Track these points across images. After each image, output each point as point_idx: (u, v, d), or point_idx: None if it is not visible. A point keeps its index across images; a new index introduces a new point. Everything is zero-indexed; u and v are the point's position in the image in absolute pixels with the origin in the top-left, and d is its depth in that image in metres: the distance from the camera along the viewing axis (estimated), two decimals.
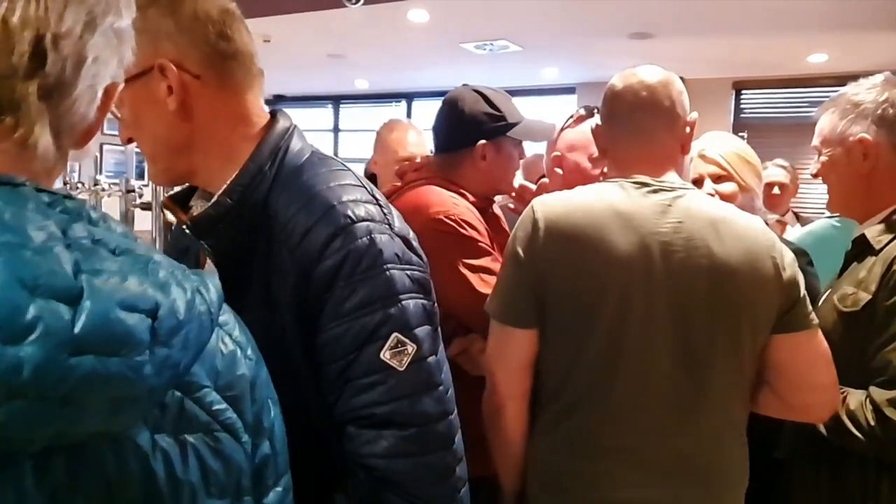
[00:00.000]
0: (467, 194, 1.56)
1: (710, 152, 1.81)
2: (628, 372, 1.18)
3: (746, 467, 1.26)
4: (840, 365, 1.24)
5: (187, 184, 1.10)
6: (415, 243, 1.00)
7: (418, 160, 2.27)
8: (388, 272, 0.90)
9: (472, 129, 1.56)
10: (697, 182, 1.91)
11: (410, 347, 0.88)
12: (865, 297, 1.28)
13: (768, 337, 1.20)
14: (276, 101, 10.22)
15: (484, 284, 1.43)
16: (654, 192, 1.20)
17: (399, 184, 1.67)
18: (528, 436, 1.29)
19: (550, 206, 1.22)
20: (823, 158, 1.47)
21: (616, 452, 1.20)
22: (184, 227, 0.98)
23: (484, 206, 1.63)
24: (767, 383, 1.27)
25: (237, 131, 0.99)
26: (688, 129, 1.29)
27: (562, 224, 1.19)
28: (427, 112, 9.88)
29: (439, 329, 1.06)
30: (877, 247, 1.34)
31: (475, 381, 1.51)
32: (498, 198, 1.81)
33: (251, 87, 1.00)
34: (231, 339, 0.63)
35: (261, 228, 0.95)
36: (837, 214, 1.73)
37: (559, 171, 1.87)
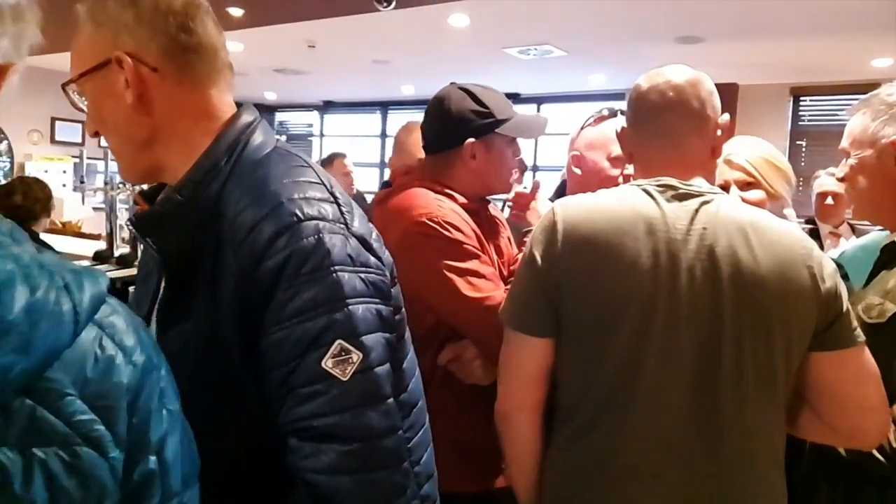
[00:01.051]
0: (457, 196, 1.49)
1: (736, 157, 1.73)
2: (649, 388, 1.11)
3: (783, 495, 1.16)
4: None
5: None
6: (376, 245, 0.94)
7: None
8: (335, 274, 0.84)
9: (459, 128, 1.49)
10: (723, 189, 1.84)
11: (356, 356, 0.83)
12: (892, 307, 1.20)
13: (807, 354, 1.12)
14: (326, 106, 10.39)
15: (471, 288, 1.37)
16: (681, 196, 1.13)
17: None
18: (542, 451, 1.23)
19: (571, 209, 1.16)
20: (852, 161, 1.37)
21: (635, 475, 1.12)
22: (127, 223, 0.94)
23: (476, 208, 1.55)
24: (809, 405, 1.18)
25: (199, 126, 0.95)
26: (719, 132, 1.21)
27: (582, 229, 1.13)
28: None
29: (403, 338, 1.00)
30: None
31: (470, 391, 1.45)
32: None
33: (215, 81, 0.97)
34: (113, 343, 0.57)
35: (212, 227, 0.90)
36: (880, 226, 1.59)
37: (577, 170, 1.80)
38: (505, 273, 1.56)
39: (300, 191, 0.89)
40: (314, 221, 0.86)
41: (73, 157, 6.67)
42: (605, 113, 1.83)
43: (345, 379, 0.82)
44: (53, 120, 8.73)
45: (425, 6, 4.69)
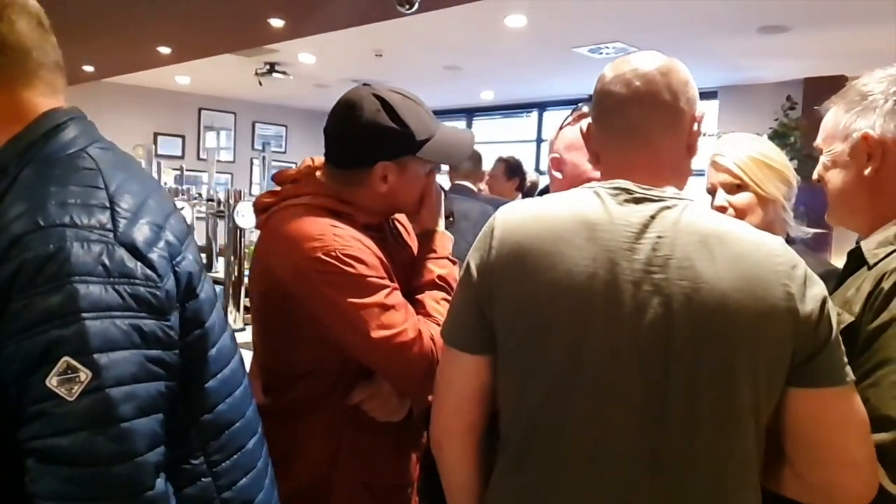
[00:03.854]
0: (355, 215, 1.31)
1: (722, 158, 1.58)
2: (582, 420, 0.97)
3: None
4: None
5: None
6: (153, 255, 0.86)
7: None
8: (72, 285, 0.78)
9: (370, 147, 1.29)
10: (710, 193, 1.66)
11: (84, 375, 0.77)
12: (848, 318, 1.05)
13: (784, 390, 0.96)
14: None
15: (379, 327, 1.21)
16: (637, 201, 0.99)
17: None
18: (482, 480, 1.11)
19: (510, 213, 1.05)
20: (824, 159, 1.18)
21: None
22: None
23: (378, 222, 1.39)
24: (784, 454, 1.01)
25: (6, 130, 0.91)
26: (695, 127, 1.05)
27: (517, 235, 1.01)
28: (557, 121, 9.66)
29: (205, 355, 0.94)
30: (871, 261, 1.08)
31: (381, 426, 1.33)
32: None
33: (26, 83, 0.93)
34: None
35: None
36: None
37: (558, 174, 1.59)
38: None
39: (58, 196, 0.84)
40: (59, 228, 0.80)
41: (174, 169, 7.13)
42: (585, 109, 1.62)
43: (71, 399, 0.77)
44: (156, 135, 9.32)
45: (480, 6, 4.57)
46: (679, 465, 0.95)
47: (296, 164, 1.49)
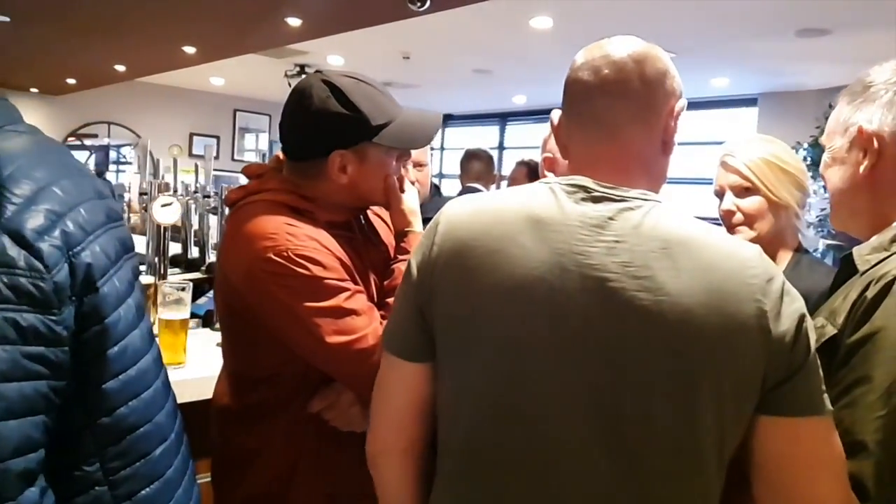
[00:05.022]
0: (317, 212, 1.23)
1: (732, 159, 1.49)
2: (518, 441, 0.87)
3: None
4: None
5: None
6: (42, 244, 0.80)
7: (410, 167, 1.99)
8: None
9: (322, 136, 1.21)
10: (719, 195, 1.55)
11: None
12: (831, 331, 0.94)
13: (754, 417, 0.85)
14: (446, 120, 10.45)
15: (337, 332, 1.13)
16: (595, 199, 0.88)
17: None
18: (423, 501, 1.01)
19: (458, 207, 0.95)
20: (825, 156, 1.07)
21: None
22: None
23: (346, 219, 1.30)
24: (749, 489, 0.89)
25: None
26: (672, 123, 0.94)
27: (460, 231, 0.91)
28: None
29: (104, 353, 0.87)
30: (861, 267, 0.97)
31: (345, 434, 1.25)
32: None
33: None
34: None
35: None
36: None
37: (550, 175, 1.49)
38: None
39: None
40: None
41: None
42: None
43: None
44: (192, 135, 9.48)
45: (504, 7, 4.48)
46: (630, 498, 0.83)
47: None
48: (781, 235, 1.50)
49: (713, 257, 0.83)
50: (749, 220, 1.48)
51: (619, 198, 0.87)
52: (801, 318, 0.83)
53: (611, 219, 0.85)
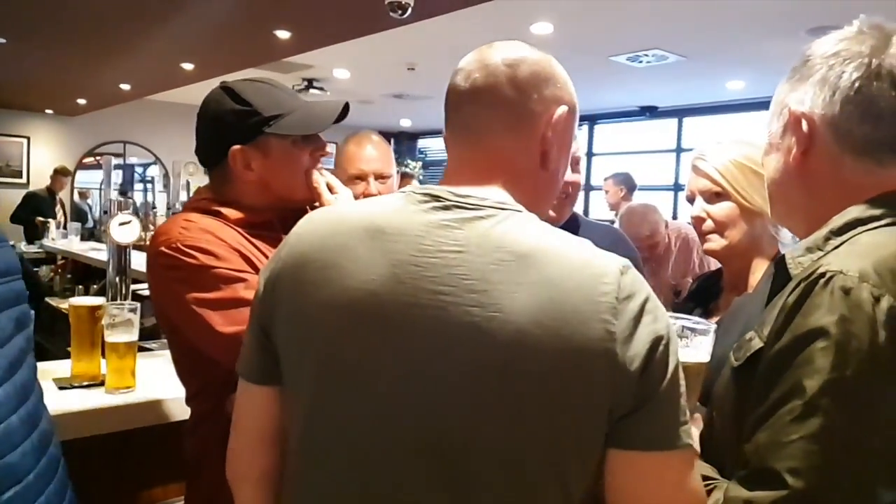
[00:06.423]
0: (228, 212, 1.25)
1: (702, 162, 1.39)
2: (345, 466, 0.81)
3: None
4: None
5: None
6: None
7: (371, 179, 1.91)
8: None
9: (218, 136, 1.24)
10: (689, 201, 1.45)
11: None
12: (757, 344, 0.83)
13: (606, 451, 0.76)
14: None
15: (227, 321, 1.12)
16: (446, 208, 0.81)
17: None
18: None
19: (306, 220, 0.91)
20: (765, 143, 0.96)
21: None
22: None
23: (268, 220, 1.28)
24: None
25: None
26: (550, 133, 0.87)
27: (302, 245, 0.86)
28: (607, 134, 9.39)
29: None
30: (793, 271, 0.85)
31: None
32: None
33: None
34: None
35: None
36: None
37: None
38: None
39: None
40: None
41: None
42: None
43: None
44: None
45: (504, 15, 4.40)
46: None
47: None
48: (757, 244, 1.37)
49: (561, 271, 0.74)
50: (720, 228, 1.36)
51: (472, 206, 0.81)
52: (657, 342, 0.73)
53: (457, 228, 0.78)
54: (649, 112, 8.55)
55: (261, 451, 0.93)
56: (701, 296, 1.52)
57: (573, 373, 0.72)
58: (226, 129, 1.23)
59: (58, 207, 8.00)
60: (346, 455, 0.81)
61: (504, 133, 0.86)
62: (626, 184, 4.80)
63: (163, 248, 1.17)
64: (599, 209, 7.55)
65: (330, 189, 1.29)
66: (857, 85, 0.80)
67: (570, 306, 0.72)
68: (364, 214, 0.84)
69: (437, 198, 0.82)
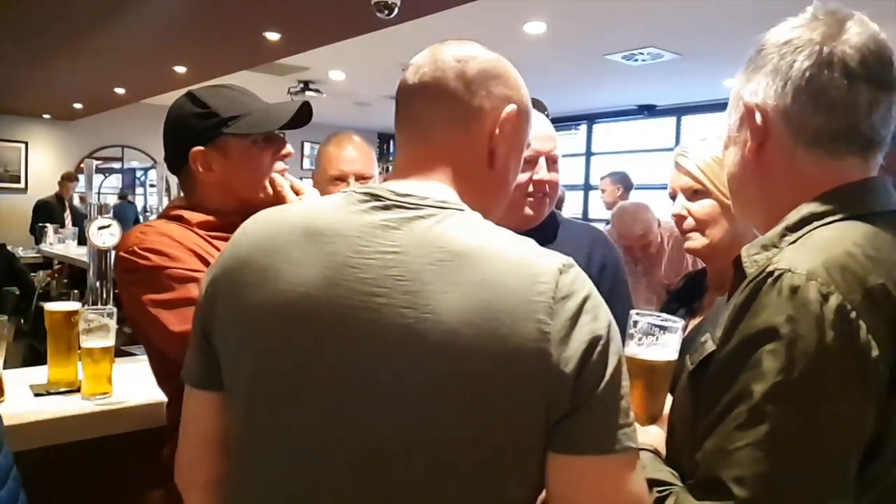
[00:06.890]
0: (190, 215, 1.27)
1: (684, 159, 1.37)
2: (276, 477, 0.79)
3: None
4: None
5: None
6: None
7: (352, 180, 1.90)
8: None
9: (179, 139, 1.27)
10: (672, 198, 1.43)
11: None
12: (710, 347, 0.80)
13: (542, 457, 0.74)
14: None
15: (178, 321, 1.13)
16: (386, 207, 0.80)
17: None
18: None
19: (249, 221, 0.89)
20: (723, 135, 0.95)
21: None
22: None
23: (231, 220, 1.26)
24: None
25: None
26: (497, 130, 0.86)
27: (243, 245, 0.85)
28: (605, 135, 9.35)
29: None
30: (749, 270, 0.82)
31: None
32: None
33: None
34: None
35: None
36: None
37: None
38: None
39: None
40: None
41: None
42: None
43: None
44: None
45: (497, 14, 4.37)
46: None
47: None
48: (739, 242, 1.34)
49: (496, 271, 0.72)
50: (701, 226, 1.34)
51: (412, 205, 0.79)
52: (595, 342, 0.71)
53: (396, 229, 0.77)
54: (648, 111, 8.52)
55: (206, 457, 0.91)
56: (685, 295, 1.50)
57: (506, 375, 0.70)
58: (187, 133, 1.25)
59: (66, 213, 8.00)
60: (282, 461, 0.79)
61: (449, 126, 0.85)
62: (623, 183, 4.77)
63: (122, 253, 1.21)
64: (599, 209, 7.52)
65: (296, 191, 1.29)
66: (807, 74, 0.78)
67: (504, 306, 0.71)
68: (303, 215, 0.83)
69: (377, 197, 0.80)
